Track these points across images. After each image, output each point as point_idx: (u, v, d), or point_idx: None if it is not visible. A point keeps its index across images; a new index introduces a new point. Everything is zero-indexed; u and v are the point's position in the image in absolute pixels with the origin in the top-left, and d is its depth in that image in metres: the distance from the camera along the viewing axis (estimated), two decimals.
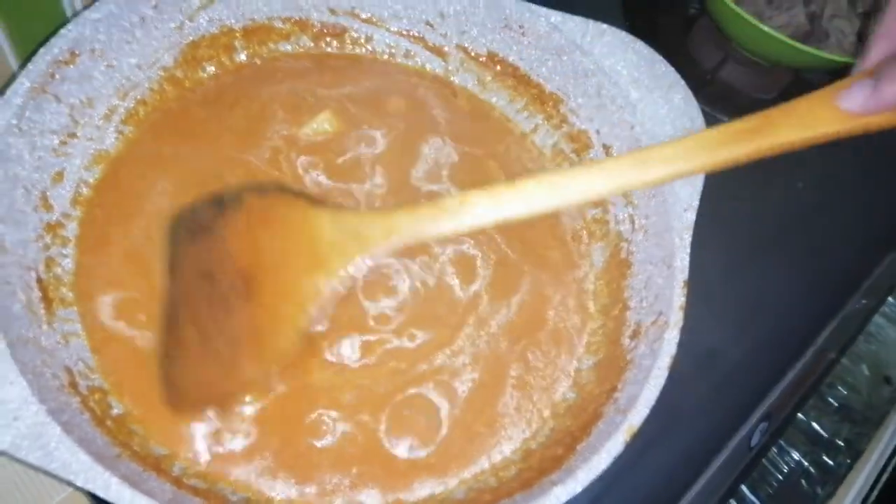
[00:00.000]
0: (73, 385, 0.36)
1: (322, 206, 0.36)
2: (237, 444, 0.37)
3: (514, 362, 0.42)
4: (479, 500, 0.37)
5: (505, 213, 0.32)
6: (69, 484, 0.31)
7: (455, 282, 0.44)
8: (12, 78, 0.42)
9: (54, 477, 0.31)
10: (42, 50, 0.40)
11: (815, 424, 0.56)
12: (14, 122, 0.38)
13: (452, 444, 0.39)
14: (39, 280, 0.38)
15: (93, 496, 0.40)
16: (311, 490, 0.37)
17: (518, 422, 0.41)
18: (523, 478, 0.37)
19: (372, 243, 0.34)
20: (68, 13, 0.50)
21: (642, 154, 0.31)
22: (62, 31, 0.40)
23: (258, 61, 0.50)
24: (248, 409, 0.38)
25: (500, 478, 0.38)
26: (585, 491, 0.34)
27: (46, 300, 0.38)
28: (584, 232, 0.48)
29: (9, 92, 0.38)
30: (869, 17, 0.65)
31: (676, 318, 0.39)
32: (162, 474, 0.34)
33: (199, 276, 0.37)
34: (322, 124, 0.48)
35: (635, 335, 0.41)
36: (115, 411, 0.37)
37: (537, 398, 0.42)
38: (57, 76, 0.40)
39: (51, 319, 0.37)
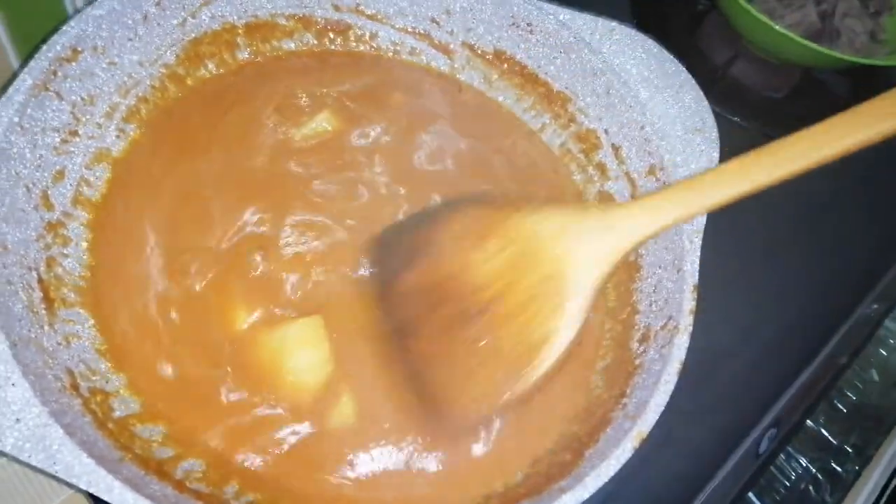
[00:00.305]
0: (75, 387, 0.35)
1: (536, 209, 0.35)
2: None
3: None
4: None
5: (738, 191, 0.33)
6: (72, 487, 0.31)
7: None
8: (14, 76, 0.42)
9: (57, 480, 0.31)
10: (44, 47, 0.39)
11: (823, 430, 0.55)
12: (16, 119, 0.37)
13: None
14: (41, 280, 0.38)
15: (94, 498, 0.40)
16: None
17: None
18: (530, 483, 0.37)
19: (615, 248, 0.34)
20: (69, 11, 0.49)
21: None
22: (64, 27, 0.40)
23: (260, 59, 0.49)
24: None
25: (506, 484, 0.38)
26: (590, 497, 0.33)
27: (48, 300, 0.37)
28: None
29: (11, 89, 0.37)
30: (881, 16, 0.64)
31: (686, 323, 0.38)
32: (164, 478, 0.34)
33: (422, 301, 0.36)
34: (321, 124, 0.47)
35: (644, 339, 0.40)
36: (117, 414, 0.36)
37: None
38: (59, 73, 0.40)
39: (52, 320, 0.37)
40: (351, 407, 0.38)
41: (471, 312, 0.35)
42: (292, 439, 0.38)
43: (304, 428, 0.38)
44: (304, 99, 0.48)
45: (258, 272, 0.41)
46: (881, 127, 0.33)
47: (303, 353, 0.39)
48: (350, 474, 0.38)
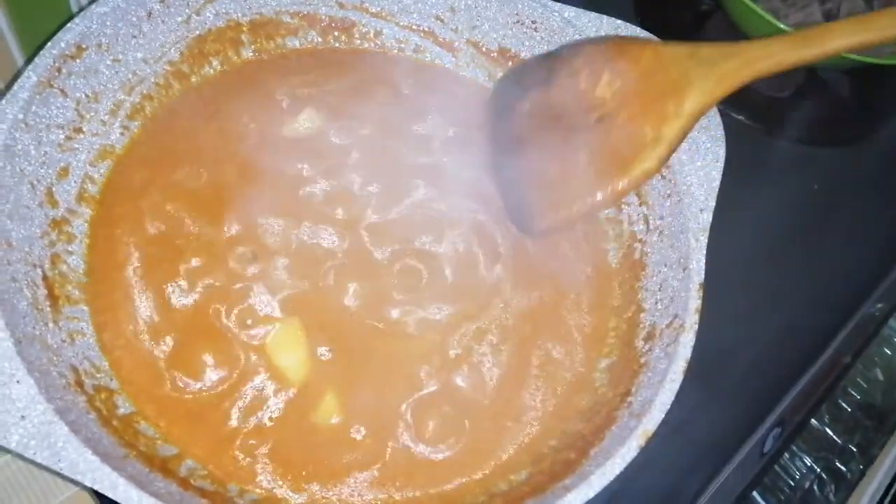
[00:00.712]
0: (79, 384, 0.35)
1: (665, 43, 0.39)
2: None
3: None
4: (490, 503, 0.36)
5: (859, 39, 0.36)
6: (77, 484, 0.31)
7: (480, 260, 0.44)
8: (18, 73, 0.42)
9: (62, 476, 0.30)
10: (49, 44, 0.39)
11: (828, 430, 0.55)
12: (21, 116, 0.37)
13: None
14: (45, 277, 0.38)
15: (98, 496, 0.40)
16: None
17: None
18: (534, 482, 0.36)
19: (731, 72, 0.37)
20: (74, 8, 0.49)
21: None
22: (69, 24, 0.40)
23: (265, 56, 0.49)
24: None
25: (510, 482, 0.38)
26: (595, 495, 0.33)
27: (52, 298, 0.37)
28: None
29: (16, 86, 0.37)
30: None
31: (692, 321, 0.38)
32: (168, 475, 0.34)
33: (542, 116, 0.41)
34: (303, 123, 0.47)
35: (649, 338, 0.40)
36: (121, 411, 0.36)
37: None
38: (63, 70, 0.40)
39: (57, 317, 0.37)
40: (335, 404, 0.39)
41: (584, 125, 0.39)
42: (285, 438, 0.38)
43: (291, 425, 0.38)
44: (289, 98, 0.48)
45: (248, 271, 0.41)
46: None
47: (283, 354, 0.40)
48: (344, 474, 0.38)
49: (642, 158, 0.37)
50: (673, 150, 0.37)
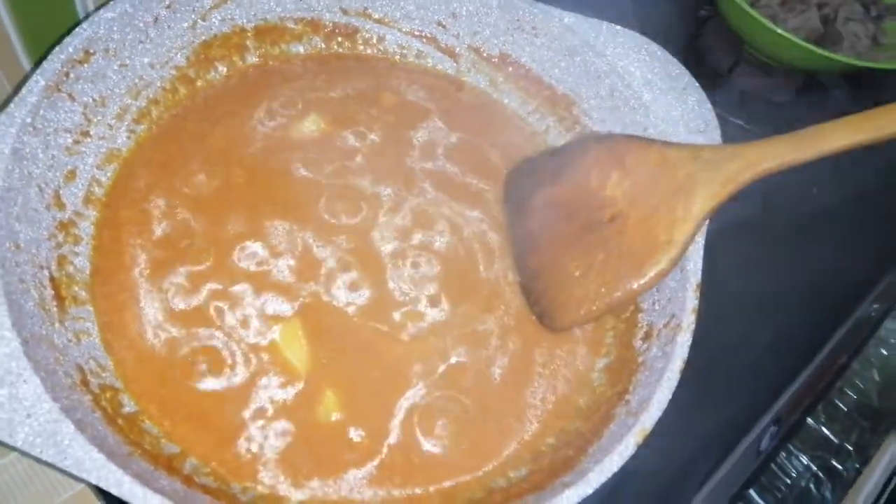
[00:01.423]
0: (85, 383, 0.36)
1: (670, 144, 0.41)
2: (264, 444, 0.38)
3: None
4: (488, 500, 0.37)
5: (858, 138, 0.37)
6: (82, 481, 0.31)
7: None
8: (25, 78, 0.43)
9: (67, 474, 0.31)
10: (57, 48, 0.40)
11: (824, 429, 0.55)
12: (29, 120, 0.38)
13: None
14: (52, 278, 0.38)
15: (102, 494, 0.40)
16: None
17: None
18: (534, 479, 0.37)
19: (734, 175, 0.38)
20: (80, 14, 0.50)
21: None
22: (77, 29, 0.41)
23: (271, 62, 0.50)
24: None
25: (509, 479, 0.38)
26: (592, 492, 0.34)
27: (59, 298, 0.38)
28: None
29: (24, 90, 0.38)
30: (882, 20, 0.65)
31: (689, 321, 0.39)
32: (173, 473, 0.34)
33: (554, 213, 0.43)
34: (310, 126, 0.47)
35: (647, 337, 0.41)
36: (126, 409, 0.37)
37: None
38: (71, 75, 0.40)
39: (63, 317, 0.38)
40: (334, 401, 0.39)
41: (598, 223, 0.41)
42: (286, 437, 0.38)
43: (292, 423, 0.39)
44: (298, 102, 0.49)
45: (253, 272, 0.42)
46: None
47: (286, 353, 0.40)
48: (344, 472, 0.38)
49: (656, 261, 0.39)
50: (685, 251, 0.39)
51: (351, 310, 0.42)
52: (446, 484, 0.38)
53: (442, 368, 0.41)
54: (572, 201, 0.42)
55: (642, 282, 0.39)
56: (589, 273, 0.40)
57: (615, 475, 0.34)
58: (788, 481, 0.53)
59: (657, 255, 0.39)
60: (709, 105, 0.46)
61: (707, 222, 0.42)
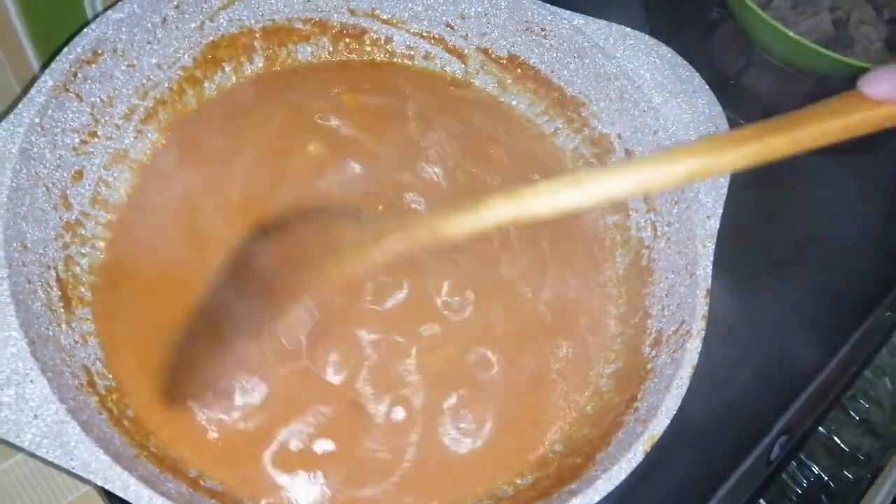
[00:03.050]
0: (92, 384, 0.36)
1: (352, 216, 0.36)
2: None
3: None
4: None
5: (525, 212, 0.30)
6: (88, 483, 0.31)
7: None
8: (34, 78, 0.43)
9: (74, 475, 0.31)
10: (65, 49, 0.40)
11: (835, 438, 0.55)
12: (37, 120, 0.38)
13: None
14: (59, 279, 0.38)
15: (108, 496, 0.40)
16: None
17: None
18: (541, 487, 0.37)
19: (385, 246, 0.33)
20: (89, 14, 0.50)
21: (669, 152, 0.30)
22: (85, 30, 0.41)
23: (278, 68, 0.50)
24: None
25: (516, 486, 0.38)
26: (600, 501, 0.33)
27: (65, 299, 0.38)
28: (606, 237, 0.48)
29: (33, 90, 0.38)
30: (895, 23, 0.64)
31: (699, 327, 0.38)
32: (179, 476, 0.34)
33: (230, 288, 0.39)
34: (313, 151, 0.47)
35: (656, 344, 0.40)
36: (131, 412, 0.37)
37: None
38: (79, 75, 0.40)
39: (69, 318, 0.38)
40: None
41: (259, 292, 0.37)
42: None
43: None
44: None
45: None
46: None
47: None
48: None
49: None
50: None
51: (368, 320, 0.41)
52: (457, 492, 0.38)
53: (462, 379, 0.41)
54: (248, 279, 0.39)
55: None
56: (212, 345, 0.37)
57: (623, 484, 0.34)
58: (799, 491, 0.52)
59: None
60: (719, 107, 0.45)
61: (717, 224, 0.41)
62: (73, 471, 0.31)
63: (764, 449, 0.49)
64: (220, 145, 0.46)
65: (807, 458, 0.53)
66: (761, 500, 0.51)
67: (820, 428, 0.54)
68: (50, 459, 0.31)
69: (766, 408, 0.50)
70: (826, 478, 0.53)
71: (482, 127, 0.50)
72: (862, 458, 0.55)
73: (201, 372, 0.38)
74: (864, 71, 0.61)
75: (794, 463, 0.53)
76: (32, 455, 0.31)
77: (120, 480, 0.30)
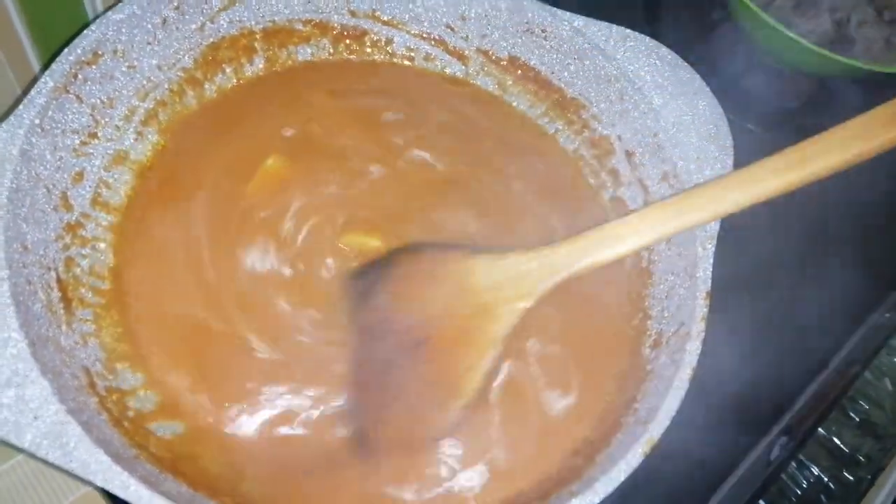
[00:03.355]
0: (92, 385, 0.36)
1: (476, 253, 0.37)
2: None
3: None
4: None
5: (665, 232, 0.34)
6: (88, 483, 0.31)
7: None
8: (35, 79, 0.43)
9: (74, 476, 0.31)
10: (66, 50, 0.40)
11: (836, 439, 0.55)
12: (37, 121, 0.38)
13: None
14: (59, 280, 0.38)
15: (109, 496, 0.40)
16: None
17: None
18: (542, 488, 0.37)
19: (537, 284, 0.35)
20: (90, 15, 0.50)
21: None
22: (86, 31, 0.41)
23: (278, 69, 0.50)
24: None
25: (518, 488, 0.38)
26: (600, 502, 0.33)
27: (66, 300, 0.38)
28: None
29: (33, 91, 0.38)
30: None
31: (698, 329, 0.38)
32: (179, 476, 0.34)
33: (371, 336, 0.39)
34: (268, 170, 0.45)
35: (656, 345, 0.40)
36: (131, 413, 0.37)
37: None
38: (79, 76, 0.40)
39: (70, 320, 0.38)
40: None
41: (407, 346, 0.37)
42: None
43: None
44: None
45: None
46: (879, 139, 0.32)
47: None
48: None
49: (459, 393, 0.35)
50: (490, 378, 0.36)
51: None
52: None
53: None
54: (385, 321, 0.38)
55: (446, 418, 0.36)
56: (401, 407, 0.37)
57: (622, 485, 0.34)
58: (799, 492, 0.52)
59: (462, 384, 0.35)
60: (720, 109, 0.45)
61: (717, 226, 0.41)
62: (73, 472, 0.31)
63: (764, 450, 0.49)
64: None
65: (807, 459, 0.53)
66: (761, 501, 0.51)
67: (820, 429, 0.54)
68: (50, 460, 0.31)
69: (766, 409, 0.50)
70: (826, 479, 0.53)
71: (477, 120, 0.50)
72: (862, 459, 0.54)
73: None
74: (864, 72, 0.61)
75: (793, 464, 0.53)
76: (33, 456, 0.31)
77: (119, 481, 0.30)
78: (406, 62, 0.52)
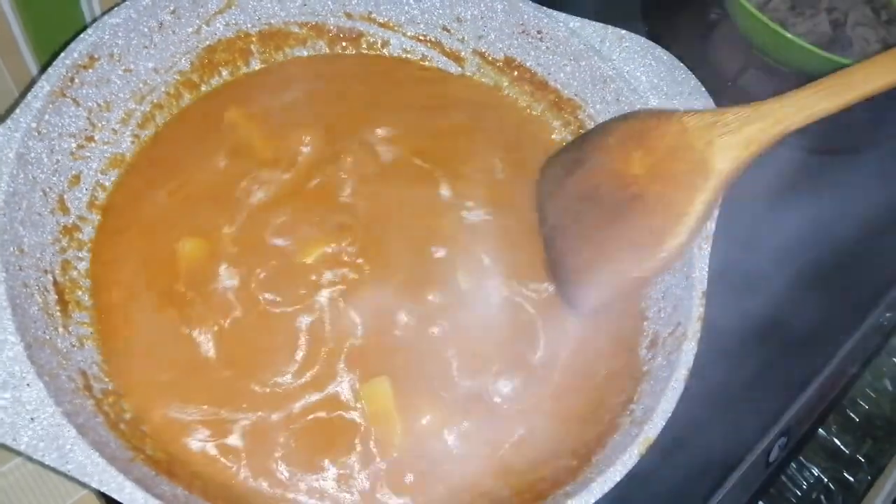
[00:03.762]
0: (88, 388, 0.36)
1: (697, 111, 0.39)
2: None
3: None
4: None
5: (887, 81, 0.36)
6: (84, 486, 0.31)
7: None
8: (32, 82, 0.43)
9: (69, 478, 0.31)
10: (62, 54, 0.40)
11: (835, 440, 0.54)
12: (34, 125, 0.38)
13: None
14: (55, 283, 0.38)
15: (106, 499, 0.40)
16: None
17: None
18: (537, 489, 0.37)
19: (756, 134, 0.37)
20: (87, 19, 0.50)
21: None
22: (82, 35, 0.41)
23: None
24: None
25: (512, 487, 0.38)
26: (599, 503, 0.33)
27: (62, 303, 0.38)
28: None
29: (29, 95, 0.38)
30: (893, 24, 0.64)
31: (695, 329, 0.38)
32: (174, 478, 0.34)
33: (581, 199, 0.42)
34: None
35: (652, 346, 0.40)
36: (127, 415, 0.37)
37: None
38: (76, 80, 0.40)
39: (66, 322, 0.38)
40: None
41: (622, 203, 0.40)
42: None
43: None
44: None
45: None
46: None
47: None
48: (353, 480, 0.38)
49: (674, 234, 0.38)
50: (703, 221, 0.38)
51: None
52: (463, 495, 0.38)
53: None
54: (598, 185, 0.42)
55: (660, 257, 0.38)
56: (612, 255, 0.40)
57: (620, 486, 0.34)
58: (799, 493, 0.52)
59: (677, 227, 0.38)
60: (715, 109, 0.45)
61: (713, 226, 0.41)
62: (70, 474, 0.31)
63: (763, 450, 0.49)
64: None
65: (806, 459, 0.53)
66: (760, 502, 0.51)
67: (819, 430, 0.54)
68: (46, 463, 0.31)
69: (765, 410, 0.50)
70: (826, 480, 0.53)
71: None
72: (862, 459, 0.54)
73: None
74: None
75: (793, 465, 0.53)
76: (29, 458, 0.31)
77: (115, 483, 0.31)
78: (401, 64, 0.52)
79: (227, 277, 0.42)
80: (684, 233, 0.38)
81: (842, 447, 0.54)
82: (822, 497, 0.53)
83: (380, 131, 0.48)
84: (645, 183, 0.39)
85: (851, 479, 0.53)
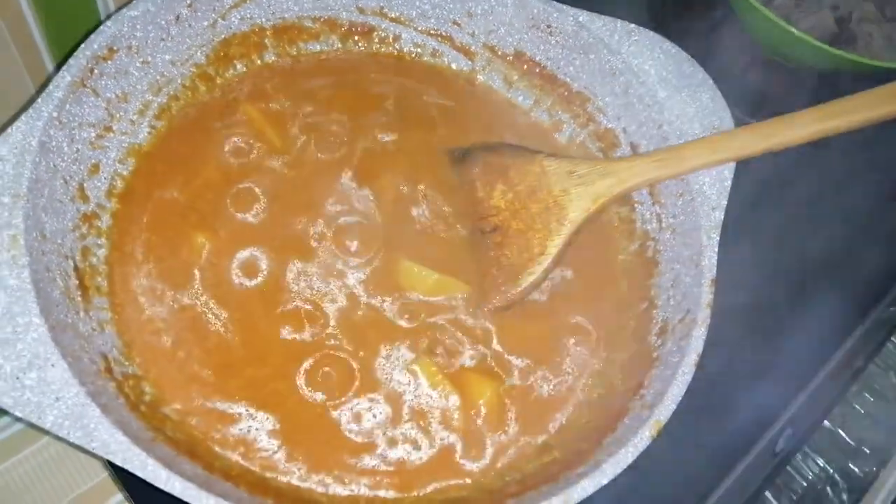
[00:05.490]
0: (109, 370, 0.37)
1: (554, 156, 0.44)
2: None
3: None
4: (504, 491, 0.37)
5: (715, 158, 0.42)
6: (107, 463, 0.32)
7: None
8: (48, 77, 0.44)
9: (94, 455, 0.32)
10: (83, 45, 0.41)
11: (841, 431, 0.55)
12: (55, 114, 0.39)
13: None
14: (76, 268, 0.39)
15: (123, 482, 0.41)
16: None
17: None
18: (549, 472, 0.37)
19: (605, 191, 0.42)
20: (102, 14, 0.51)
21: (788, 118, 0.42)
22: (102, 27, 0.42)
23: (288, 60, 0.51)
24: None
25: (523, 471, 0.38)
26: (607, 493, 0.34)
27: (83, 288, 0.39)
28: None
29: (51, 85, 0.39)
30: None
31: (704, 316, 0.39)
32: (195, 458, 0.35)
33: (468, 212, 0.45)
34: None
35: (662, 333, 0.41)
36: (147, 398, 0.38)
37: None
38: (96, 71, 0.41)
39: (87, 307, 0.38)
40: None
41: (488, 228, 0.44)
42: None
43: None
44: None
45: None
46: (877, 111, 0.41)
47: None
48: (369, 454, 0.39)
49: (530, 271, 0.42)
50: (557, 261, 0.42)
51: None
52: (469, 479, 0.38)
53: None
54: (472, 204, 0.45)
55: (515, 290, 0.42)
56: (488, 270, 0.43)
57: (629, 474, 0.34)
58: (805, 484, 0.53)
59: (534, 265, 0.42)
60: (723, 102, 0.46)
61: (722, 215, 0.42)
62: (94, 451, 0.31)
63: (769, 441, 0.49)
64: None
65: (812, 450, 0.54)
66: (766, 493, 0.51)
67: (825, 421, 0.55)
68: (72, 440, 0.31)
69: (772, 400, 0.51)
70: (831, 471, 0.54)
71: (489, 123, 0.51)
72: (867, 451, 0.55)
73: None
74: (866, 67, 0.62)
75: (799, 456, 0.53)
76: (55, 436, 0.32)
77: (138, 460, 0.31)
78: (414, 58, 0.53)
79: (241, 265, 0.42)
80: (539, 272, 0.42)
81: (847, 439, 0.55)
82: (828, 488, 0.53)
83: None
84: (506, 217, 0.43)
85: (857, 469, 0.54)
